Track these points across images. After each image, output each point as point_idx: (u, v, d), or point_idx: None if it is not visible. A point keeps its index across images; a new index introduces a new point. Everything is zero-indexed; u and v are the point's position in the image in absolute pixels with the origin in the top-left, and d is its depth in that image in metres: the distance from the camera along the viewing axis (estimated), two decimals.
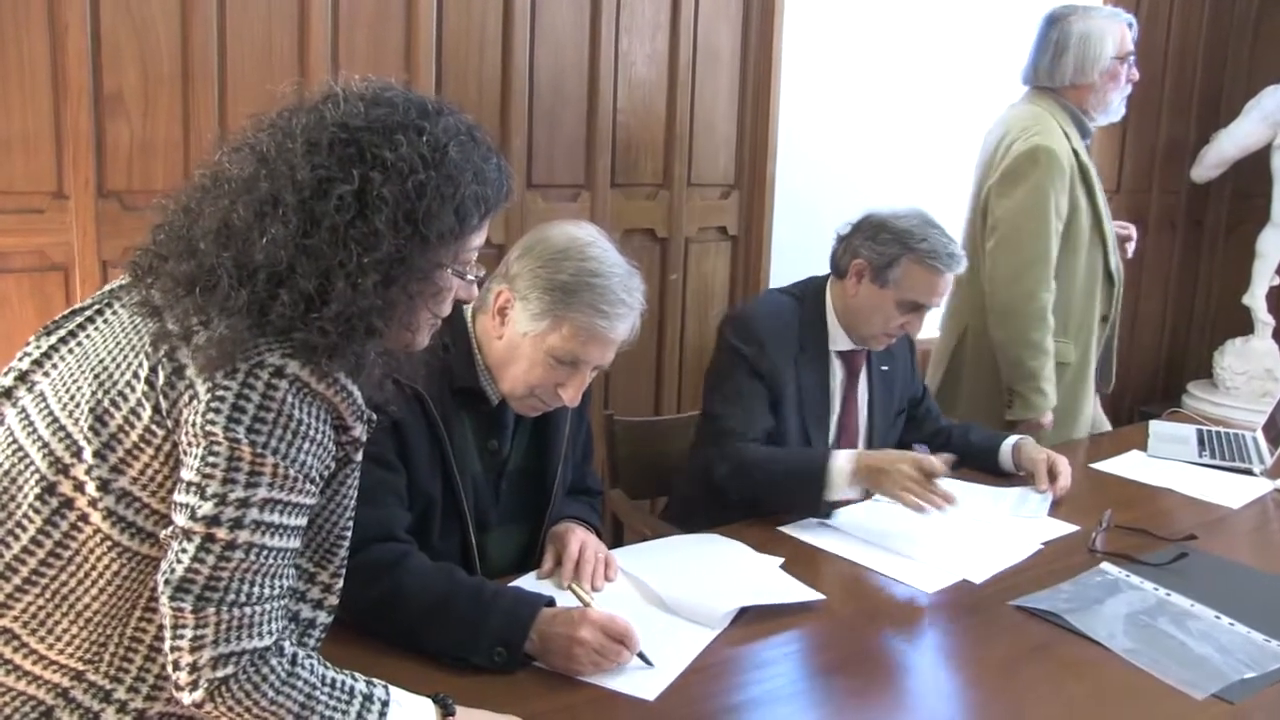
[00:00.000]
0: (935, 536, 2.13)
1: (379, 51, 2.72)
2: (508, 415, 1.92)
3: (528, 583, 1.84)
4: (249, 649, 1.20)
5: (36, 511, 1.23)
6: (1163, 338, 5.19)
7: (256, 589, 1.20)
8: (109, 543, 1.23)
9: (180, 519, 1.18)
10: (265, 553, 1.20)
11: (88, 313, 1.35)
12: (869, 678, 1.66)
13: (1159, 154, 4.92)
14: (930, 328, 4.05)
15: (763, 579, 1.91)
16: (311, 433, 1.22)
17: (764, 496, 2.28)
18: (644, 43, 3.23)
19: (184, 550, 1.17)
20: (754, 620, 1.77)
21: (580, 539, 1.90)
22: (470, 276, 1.37)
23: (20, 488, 1.24)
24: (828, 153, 3.69)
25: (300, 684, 1.23)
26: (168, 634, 1.19)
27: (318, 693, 1.24)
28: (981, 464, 2.60)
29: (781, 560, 1.99)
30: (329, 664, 1.29)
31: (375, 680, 1.31)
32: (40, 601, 1.24)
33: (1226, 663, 1.66)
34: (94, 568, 1.23)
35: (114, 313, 1.32)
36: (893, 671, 1.68)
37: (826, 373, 2.51)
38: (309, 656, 1.26)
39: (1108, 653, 1.69)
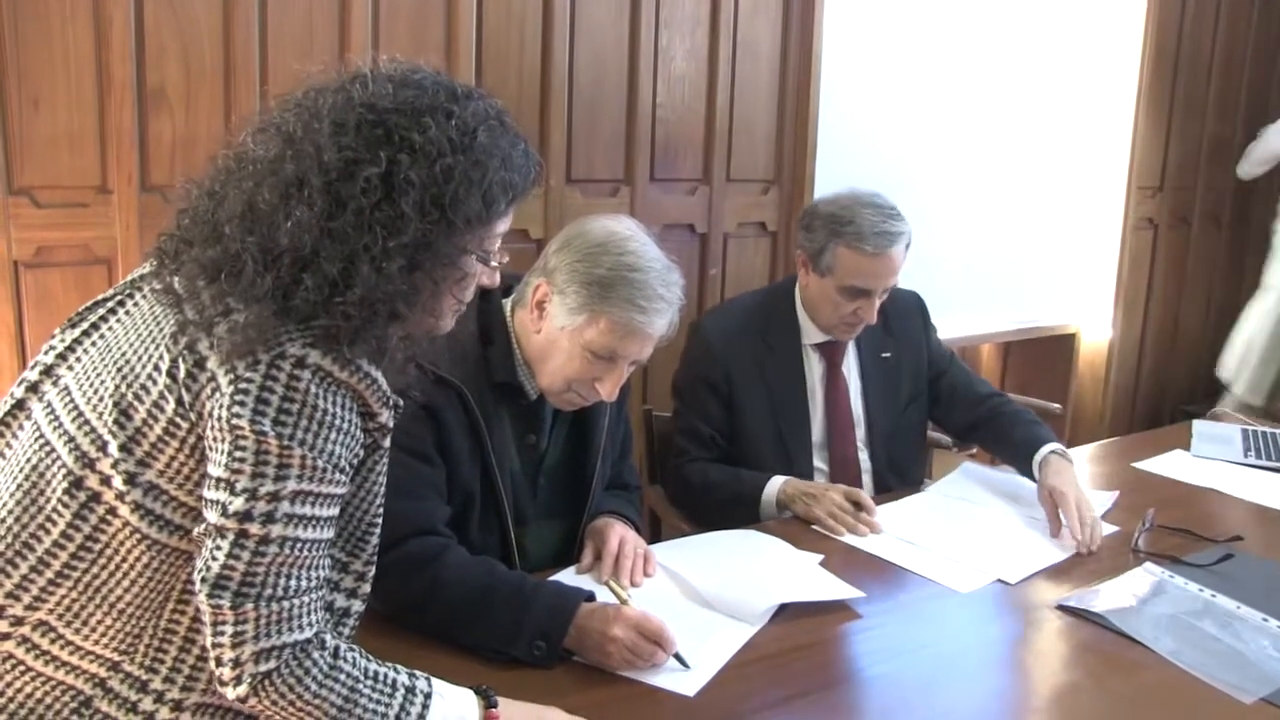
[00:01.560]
0: (972, 536, 2.12)
1: (420, 47, 2.72)
2: (546, 410, 1.92)
3: (566, 578, 1.84)
4: (290, 642, 1.20)
5: (65, 506, 1.23)
6: (1207, 335, 5.11)
7: (293, 582, 1.20)
8: (138, 535, 1.22)
9: (212, 516, 1.18)
10: (299, 545, 1.20)
11: (110, 304, 1.34)
12: (909, 676, 1.64)
13: (1205, 151, 4.85)
14: None
15: (802, 576, 1.90)
16: (338, 422, 1.21)
17: (710, 517, 2.30)
18: (684, 38, 3.22)
19: (218, 547, 1.17)
20: (793, 617, 1.76)
21: (619, 534, 1.90)
22: (494, 263, 1.36)
23: (49, 482, 1.24)
24: (868, 148, 3.66)
25: (343, 677, 1.23)
26: (208, 631, 1.19)
27: (361, 685, 1.24)
28: (1014, 460, 2.48)
29: (822, 557, 1.98)
30: (370, 656, 1.29)
31: (417, 672, 1.31)
32: (74, 594, 1.24)
33: (1276, 667, 1.63)
34: (125, 560, 1.23)
35: (135, 303, 1.31)
36: (933, 670, 1.66)
37: (800, 368, 2.46)
38: (350, 649, 1.26)
39: (1152, 654, 1.67)
